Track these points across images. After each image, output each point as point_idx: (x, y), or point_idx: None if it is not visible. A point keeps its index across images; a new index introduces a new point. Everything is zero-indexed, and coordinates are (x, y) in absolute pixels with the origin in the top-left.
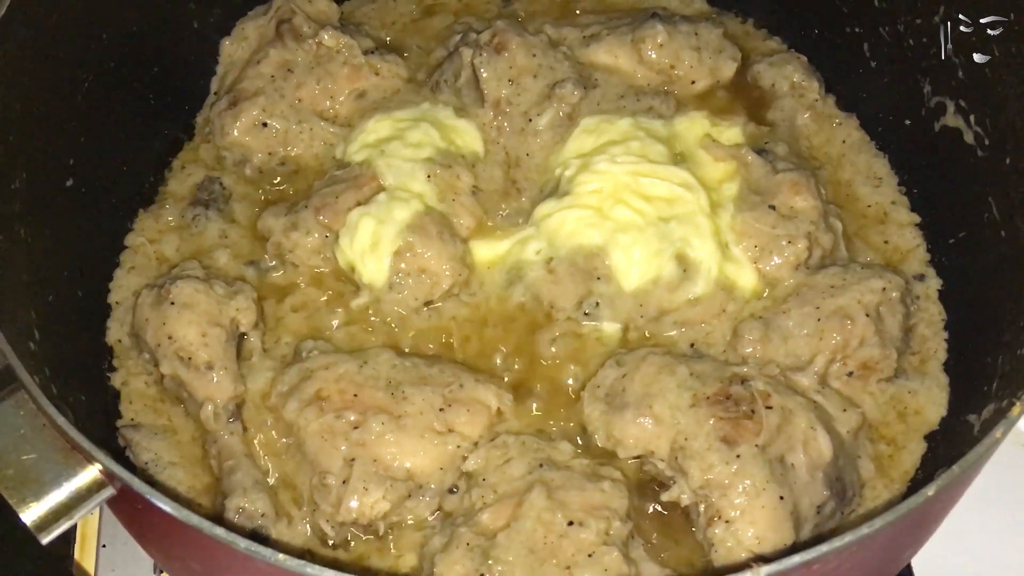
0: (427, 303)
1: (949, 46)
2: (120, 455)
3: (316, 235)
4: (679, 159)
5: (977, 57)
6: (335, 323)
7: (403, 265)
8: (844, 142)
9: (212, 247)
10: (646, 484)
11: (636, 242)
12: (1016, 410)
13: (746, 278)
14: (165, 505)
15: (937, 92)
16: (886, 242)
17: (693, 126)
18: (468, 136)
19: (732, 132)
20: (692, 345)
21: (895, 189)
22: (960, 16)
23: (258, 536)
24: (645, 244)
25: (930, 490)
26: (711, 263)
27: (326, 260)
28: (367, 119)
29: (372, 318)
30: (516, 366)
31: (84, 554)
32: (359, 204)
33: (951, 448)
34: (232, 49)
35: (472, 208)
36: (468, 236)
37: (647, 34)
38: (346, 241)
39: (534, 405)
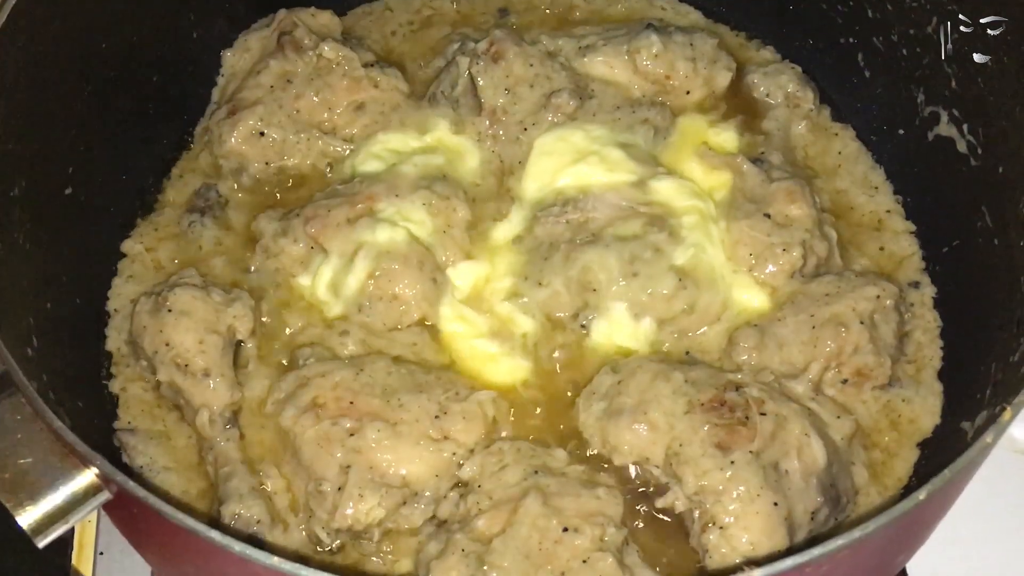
0: (394, 329)
1: (949, 46)
2: (116, 460)
3: (302, 244)
4: (660, 168)
5: (977, 57)
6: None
7: (373, 289)
8: (840, 152)
9: (208, 254)
10: (641, 490)
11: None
12: (1007, 415)
13: (747, 288)
14: (162, 508)
15: (931, 102)
16: (881, 249)
17: (691, 127)
18: (471, 164)
19: (728, 135)
20: (687, 352)
21: (891, 198)
22: (960, 16)
23: (254, 542)
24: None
25: (921, 494)
26: (724, 271)
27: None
28: (377, 134)
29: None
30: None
31: (81, 562)
32: (349, 221)
33: (944, 455)
34: (234, 60)
35: (462, 243)
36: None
37: (642, 44)
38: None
39: (529, 412)
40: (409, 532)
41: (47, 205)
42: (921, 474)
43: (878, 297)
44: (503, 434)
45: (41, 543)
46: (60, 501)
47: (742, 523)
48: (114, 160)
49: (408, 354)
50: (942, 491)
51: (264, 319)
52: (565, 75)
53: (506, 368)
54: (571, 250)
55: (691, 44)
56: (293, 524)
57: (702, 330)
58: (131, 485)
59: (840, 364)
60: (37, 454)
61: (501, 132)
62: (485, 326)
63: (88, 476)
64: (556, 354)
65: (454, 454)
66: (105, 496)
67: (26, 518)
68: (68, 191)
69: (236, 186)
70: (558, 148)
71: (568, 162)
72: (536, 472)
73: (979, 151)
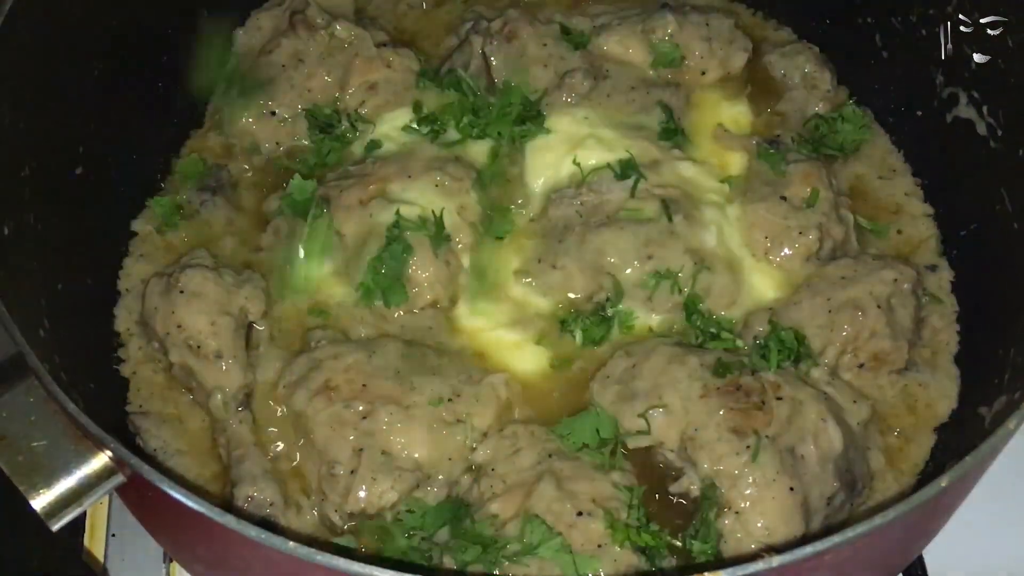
0: (407, 311)
1: (949, 46)
2: (129, 443)
3: None
4: (675, 150)
5: (977, 57)
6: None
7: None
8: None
9: (218, 234)
10: (656, 474)
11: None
12: None
13: (762, 271)
14: (176, 492)
15: (950, 83)
16: (899, 232)
17: (707, 105)
18: (484, 146)
19: (742, 108)
20: (704, 335)
21: (910, 181)
22: (961, 16)
23: (267, 525)
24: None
25: (943, 481)
26: (740, 253)
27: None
28: (387, 112)
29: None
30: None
31: (94, 543)
32: (361, 202)
33: (961, 440)
34: (246, 39)
35: (475, 225)
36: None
37: (657, 24)
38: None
39: (544, 395)
40: None
41: (57, 185)
42: (938, 459)
43: (895, 281)
44: (516, 417)
45: (55, 526)
46: (74, 484)
47: (758, 508)
48: (124, 139)
49: (422, 337)
50: (963, 478)
51: (275, 300)
52: (579, 55)
53: (531, 355)
54: (585, 232)
55: (707, 24)
56: (306, 507)
57: (718, 313)
58: (145, 469)
59: (857, 348)
60: (51, 437)
61: None
62: (504, 316)
63: (102, 459)
64: (570, 337)
65: (467, 437)
66: (119, 479)
67: (40, 501)
68: (78, 171)
69: (247, 166)
70: (550, 140)
71: (565, 151)
72: (550, 456)
73: (999, 133)
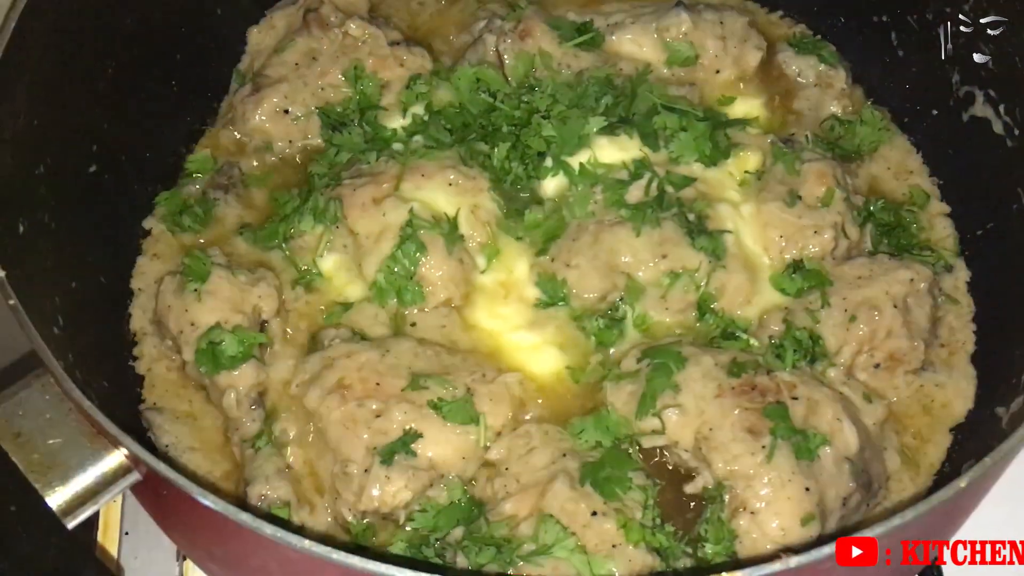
0: (421, 310)
1: (949, 46)
2: (143, 440)
3: (327, 224)
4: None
5: (977, 57)
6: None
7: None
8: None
9: (231, 232)
10: (670, 474)
11: None
12: None
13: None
14: (191, 491)
15: (966, 82)
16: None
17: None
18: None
19: (754, 103)
20: (718, 334)
21: (926, 180)
22: (978, 12)
23: (280, 523)
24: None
25: (962, 482)
26: (755, 252)
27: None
28: (400, 111)
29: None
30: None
31: (107, 541)
32: (375, 201)
33: (978, 441)
34: (259, 37)
35: (488, 223)
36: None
37: (671, 22)
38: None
39: (558, 394)
40: None
41: (71, 183)
42: (954, 460)
43: (912, 280)
44: (530, 416)
45: (70, 524)
46: (89, 482)
47: (773, 508)
48: (138, 138)
49: (436, 335)
50: (981, 479)
51: (288, 299)
52: (593, 53)
53: (545, 355)
54: (599, 231)
55: (721, 22)
56: (319, 505)
57: (733, 313)
58: (161, 467)
59: (873, 348)
60: (66, 435)
61: None
62: (521, 318)
63: (117, 457)
64: (584, 337)
65: (481, 436)
66: (134, 477)
67: (55, 499)
68: (92, 169)
69: (260, 164)
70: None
71: (572, 149)
72: (564, 455)
73: (1016, 132)
